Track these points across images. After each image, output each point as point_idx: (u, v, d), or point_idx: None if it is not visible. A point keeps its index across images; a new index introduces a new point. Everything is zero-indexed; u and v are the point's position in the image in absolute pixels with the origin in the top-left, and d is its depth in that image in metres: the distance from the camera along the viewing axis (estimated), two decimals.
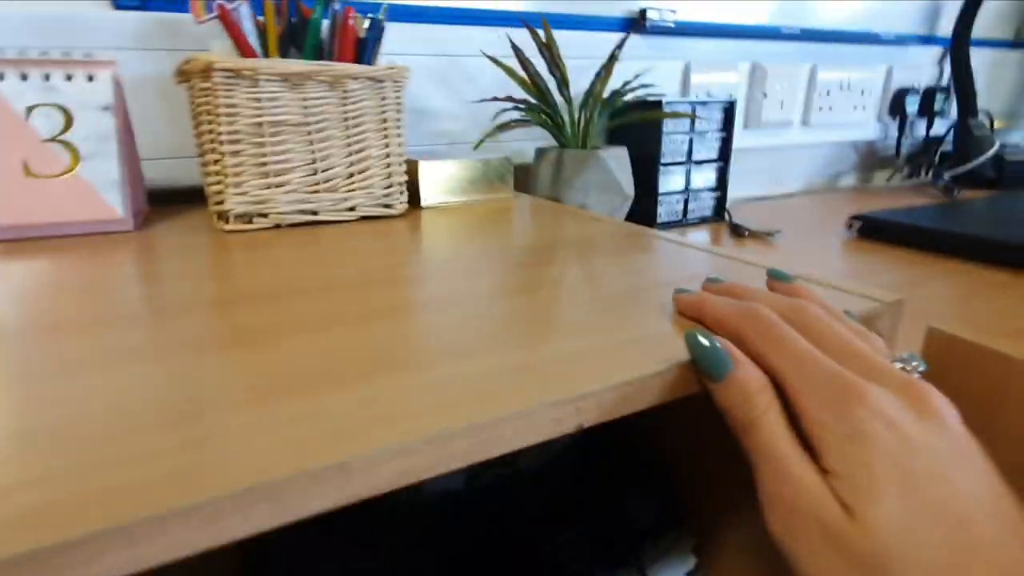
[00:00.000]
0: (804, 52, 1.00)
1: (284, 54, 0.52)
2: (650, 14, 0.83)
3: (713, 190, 0.83)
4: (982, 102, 1.11)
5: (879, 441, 0.19)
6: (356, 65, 0.52)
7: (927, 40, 1.15)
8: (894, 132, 1.16)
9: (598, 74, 0.70)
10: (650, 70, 0.85)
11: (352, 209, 0.54)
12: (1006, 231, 0.69)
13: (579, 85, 0.69)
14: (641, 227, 0.50)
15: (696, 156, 0.80)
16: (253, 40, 0.51)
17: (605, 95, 0.69)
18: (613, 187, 0.68)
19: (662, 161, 0.77)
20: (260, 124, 0.48)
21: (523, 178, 0.77)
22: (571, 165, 0.67)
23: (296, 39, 0.52)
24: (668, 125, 0.76)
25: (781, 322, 0.23)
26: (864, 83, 1.07)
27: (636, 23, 0.84)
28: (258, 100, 0.48)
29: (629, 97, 0.72)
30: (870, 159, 1.22)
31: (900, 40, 1.10)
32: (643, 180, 0.76)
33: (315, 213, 0.52)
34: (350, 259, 0.41)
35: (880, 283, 0.53)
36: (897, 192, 1.06)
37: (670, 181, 0.79)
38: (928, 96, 1.14)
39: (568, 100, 0.68)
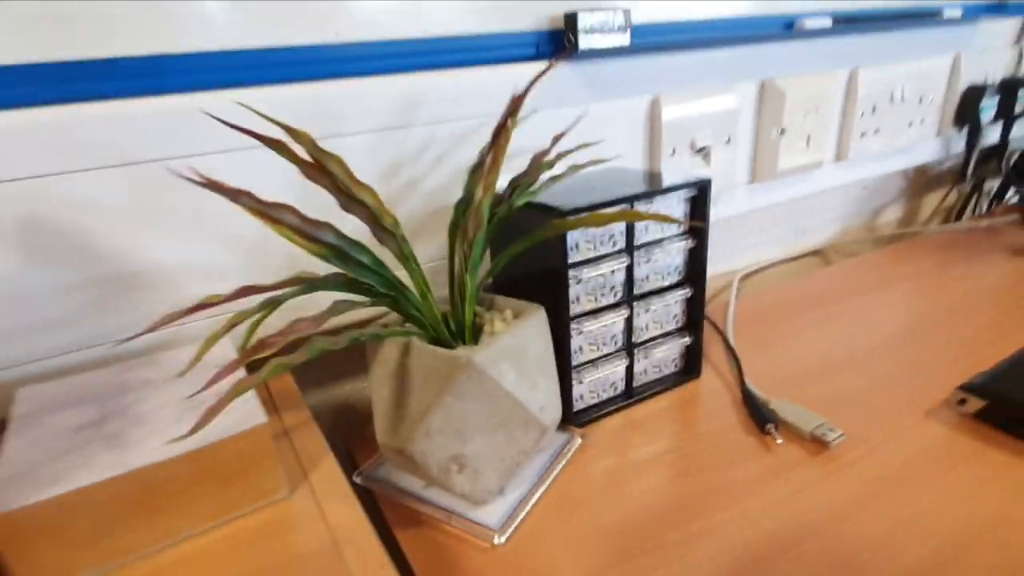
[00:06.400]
0: (838, 51, 0.64)
1: None
2: (583, 21, 0.47)
3: (680, 331, 0.48)
4: None
5: None
6: None
7: (997, 8, 0.79)
8: (959, 146, 0.81)
9: (477, 166, 0.36)
10: (586, 116, 0.50)
11: None
12: None
13: (451, 178, 0.34)
14: None
15: (644, 285, 0.45)
16: None
17: (502, 191, 0.35)
18: (509, 419, 0.34)
19: (574, 312, 0.41)
20: None
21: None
22: (423, 388, 0.33)
23: None
24: (582, 237, 0.41)
25: None
26: (924, 85, 0.72)
27: (560, 42, 0.49)
28: None
29: (541, 184, 0.37)
30: (922, 185, 0.88)
31: (969, 15, 0.74)
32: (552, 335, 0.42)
33: None
34: None
35: None
36: (970, 237, 0.72)
37: (592, 335, 0.44)
38: (1008, 90, 0.79)
39: (410, 260, 0.32)
